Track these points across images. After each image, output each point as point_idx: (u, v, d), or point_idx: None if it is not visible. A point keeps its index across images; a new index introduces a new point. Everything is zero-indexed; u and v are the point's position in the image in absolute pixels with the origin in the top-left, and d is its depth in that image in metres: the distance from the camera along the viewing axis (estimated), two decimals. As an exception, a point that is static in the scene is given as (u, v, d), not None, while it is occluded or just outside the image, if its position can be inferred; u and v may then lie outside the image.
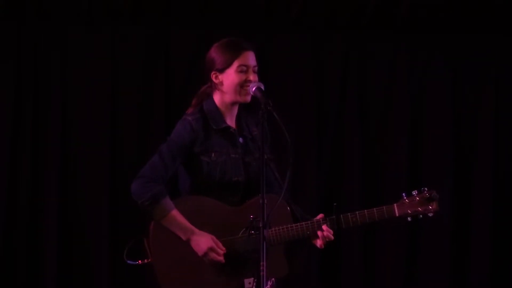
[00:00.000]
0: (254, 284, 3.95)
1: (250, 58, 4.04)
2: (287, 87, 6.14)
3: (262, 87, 3.95)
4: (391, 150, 6.30)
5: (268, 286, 4.02)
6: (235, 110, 4.14)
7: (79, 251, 5.86)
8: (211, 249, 3.94)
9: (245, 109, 4.18)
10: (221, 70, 4.04)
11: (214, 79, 4.07)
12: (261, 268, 3.60)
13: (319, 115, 6.23)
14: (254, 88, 3.94)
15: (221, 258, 3.94)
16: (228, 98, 4.06)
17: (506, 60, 6.41)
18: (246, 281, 4.00)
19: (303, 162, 6.09)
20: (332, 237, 4.00)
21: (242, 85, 4.02)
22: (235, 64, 4.02)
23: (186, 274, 3.97)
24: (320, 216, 4.03)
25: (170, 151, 4.01)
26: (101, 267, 5.86)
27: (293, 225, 4.00)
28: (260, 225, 3.61)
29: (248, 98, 4.03)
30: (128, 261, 4.05)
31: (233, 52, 4.03)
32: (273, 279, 4.07)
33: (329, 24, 6.24)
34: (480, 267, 6.32)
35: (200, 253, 3.96)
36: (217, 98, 4.10)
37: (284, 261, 4.03)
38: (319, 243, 4.01)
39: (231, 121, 4.12)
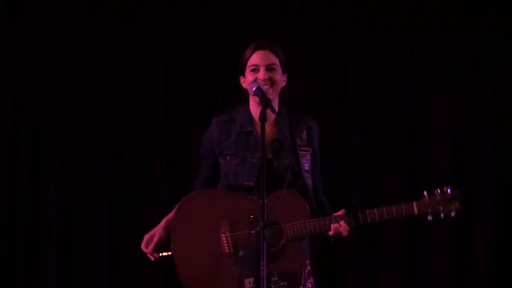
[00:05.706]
0: (254, 284, 3.96)
1: (260, 57, 4.06)
2: (287, 87, 6.12)
3: (263, 88, 3.97)
4: (391, 150, 6.30)
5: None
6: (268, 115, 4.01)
7: (79, 251, 5.87)
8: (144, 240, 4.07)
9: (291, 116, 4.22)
10: (243, 74, 4.10)
11: (242, 84, 4.12)
12: (261, 268, 3.63)
13: (319, 115, 6.22)
14: (254, 88, 3.97)
15: (146, 250, 4.06)
16: (252, 102, 4.09)
17: (506, 60, 6.41)
18: (246, 281, 4.00)
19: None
20: (346, 233, 3.94)
21: None
22: (248, 65, 4.06)
23: (204, 266, 4.00)
24: (341, 211, 4.01)
25: (200, 152, 4.17)
26: (101, 267, 5.86)
27: (311, 220, 3.97)
28: (261, 225, 3.65)
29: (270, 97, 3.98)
30: None
31: (247, 54, 4.09)
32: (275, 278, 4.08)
33: (329, 24, 6.24)
34: (480, 267, 6.32)
35: None
36: (251, 102, 4.13)
37: (301, 257, 4.02)
38: (330, 233, 3.98)
39: None
